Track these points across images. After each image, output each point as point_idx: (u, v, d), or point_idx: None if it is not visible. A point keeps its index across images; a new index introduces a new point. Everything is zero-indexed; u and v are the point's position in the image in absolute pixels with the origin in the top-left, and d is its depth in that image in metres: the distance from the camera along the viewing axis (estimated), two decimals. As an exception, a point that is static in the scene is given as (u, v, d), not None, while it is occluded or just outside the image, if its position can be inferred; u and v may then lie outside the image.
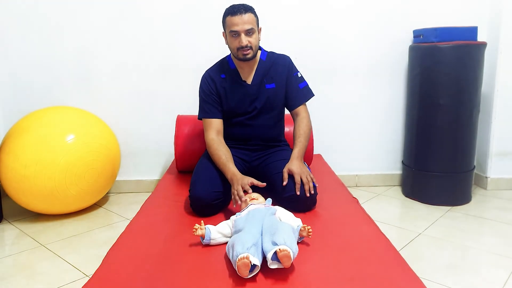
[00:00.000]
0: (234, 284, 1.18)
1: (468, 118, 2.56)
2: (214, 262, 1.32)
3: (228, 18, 1.79)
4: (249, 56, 1.84)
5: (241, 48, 1.80)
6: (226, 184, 1.76)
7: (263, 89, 1.95)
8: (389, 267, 1.29)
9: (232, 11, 1.77)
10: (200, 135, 2.28)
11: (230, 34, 1.81)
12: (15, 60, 2.74)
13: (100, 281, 1.24)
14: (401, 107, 2.95)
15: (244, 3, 1.84)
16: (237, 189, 1.65)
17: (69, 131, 2.35)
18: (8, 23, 2.70)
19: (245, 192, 1.66)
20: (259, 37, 1.87)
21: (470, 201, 2.71)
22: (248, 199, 1.60)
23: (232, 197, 1.67)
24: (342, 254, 1.37)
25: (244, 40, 1.79)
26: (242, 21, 1.76)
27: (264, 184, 1.69)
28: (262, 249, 1.24)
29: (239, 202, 1.61)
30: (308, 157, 2.35)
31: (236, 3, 1.81)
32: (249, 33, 1.79)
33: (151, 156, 2.93)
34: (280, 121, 2.06)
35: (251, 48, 1.82)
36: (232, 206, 1.59)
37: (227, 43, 1.87)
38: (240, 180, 1.68)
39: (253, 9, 1.82)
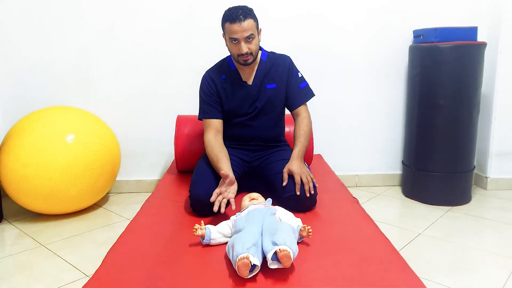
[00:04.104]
0: (234, 284, 1.18)
1: (468, 118, 2.57)
2: (214, 262, 1.32)
3: (227, 25, 1.76)
4: (249, 61, 1.83)
5: (241, 55, 1.80)
6: (225, 185, 1.76)
7: (263, 90, 1.94)
8: (389, 267, 1.29)
9: (231, 18, 1.73)
10: (200, 135, 2.28)
11: (230, 40, 1.79)
12: (15, 60, 2.74)
13: (100, 281, 1.24)
14: (401, 107, 2.95)
15: (244, 5, 1.80)
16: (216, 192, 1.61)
17: (69, 131, 2.35)
18: (8, 23, 2.70)
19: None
20: (259, 39, 1.86)
21: (470, 201, 2.71)
22: (248, 199, 1.60)
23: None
24: (342, 254, 1.37)
25: (244, 48, 1.77)
26: (241, 29, 1.73)
27: (228, 175, 1.63)
28: (262, 249, 1.24)
29: (216, 208, 1.57)
30: (308, 157, 2.35)
31: (234, 6, 1.78)
32: (249, 39, 1.77)
33: (151, 156, 2.93)
34: (280, 121, 2.06)
35: (251, 54, 1.81)
36: (231, 208, 1.58)
37: (227, 45, 1.87)
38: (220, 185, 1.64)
39: (252, 12, 1.79)
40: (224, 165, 1.74)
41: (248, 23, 1.74)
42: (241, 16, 1.73)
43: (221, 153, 1.81)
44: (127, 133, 2.87)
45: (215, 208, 1.56)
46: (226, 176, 1.62)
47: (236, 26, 1.73)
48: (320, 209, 1.77)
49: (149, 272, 1.27)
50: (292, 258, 1.19)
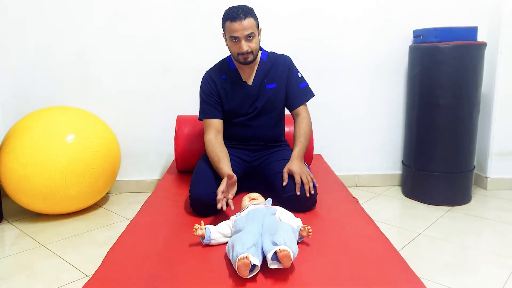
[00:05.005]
0: (234, 284, 1.18)
1: (468, 118, 2.56)
2: (214, 262, 1.32)
3: (228, 24, 1.77)
4: (249, 60, 1.83)
5: (242, 53, 1.80)
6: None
7: (263, 90, 1.94)
8: (389, 267, 1.29)
9: (232, 16, 1.74)
10: (200, 135, 2.28)
11: (230, 39, 1.80)
12: (15, 60, 2.74)
13: (100, 281, 1.24)
14: (401, 107, 2.95)
15: (244, 4, 1.81)
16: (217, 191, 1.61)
17: (69, 131, 2.35)
18: (8, 23, 2.70)
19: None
20: (259, 38, 1.86)
21: (470, 201, 2.71)
22: (248, 199, 1.60)
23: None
24: (342, 254, 1.37)
25: (245, 46, 1.77)
26: (242, 27, 1.74)
27: (233, 176, 1.62)
28: (262, 249, 1.24)
29: (220, 205, 1.56)
30: (308, 157, 2.35)
31: (235, 6, 1.79)
32: (249, 37, 1.78)
33: (151, 156, 2.93)
34: (280, 121, 2.06)
35: (251, 52, 1.81)
36: (231, 208, 1.58)
37: (227, 44, 1.87)
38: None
39: (253, 11, 1.80)
40: (225, 166, 1.74)
41: (248, 21, 1.75)
42: (241, 15, 1.73)
43: (221, 153, 1.81)
44: (127, 133, 2.87)
45: (219, 206, 1.55)
46: (232, 177, 1.62)
47: (236, 25, 1.74)
48: (320, 209, 1.77)
49: (149, 272, 1.27)
50: (292, 258, 1.19)
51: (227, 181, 1.63)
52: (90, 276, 1.37)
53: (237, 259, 1.16)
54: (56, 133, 2.33)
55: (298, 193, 1.70)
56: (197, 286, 1.20)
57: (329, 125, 2.94)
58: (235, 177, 1.64)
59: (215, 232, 1.42)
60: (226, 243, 1.36)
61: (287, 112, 2.05)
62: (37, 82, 2.77)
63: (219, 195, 1.57)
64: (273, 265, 1.21)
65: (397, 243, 2.08)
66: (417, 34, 2.68)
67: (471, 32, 2.51)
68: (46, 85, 2.78)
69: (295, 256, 1.22)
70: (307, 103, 2.00)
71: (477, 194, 2.84)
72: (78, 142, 2.34)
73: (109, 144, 2.52)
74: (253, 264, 1.17)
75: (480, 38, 2.79)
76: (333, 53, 2.85)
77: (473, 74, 2.52)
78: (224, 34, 1.86)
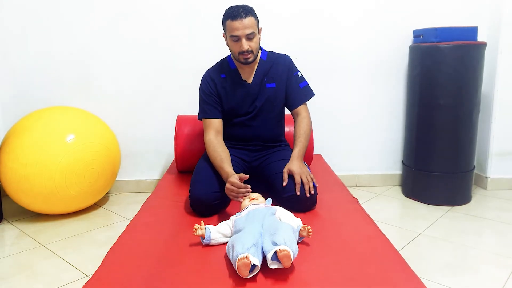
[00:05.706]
0: (234, 284, 1.19)
1: (468, 118, 2.57)
2: (214, 262, 1.32)
3: (228, 22, 1.77)
4: (250, 59, 1.83)
5: (242, 52, 1.80)
6: (225, 185, 1.76)
7: (263, 89, 1.94)
8: (389, 267, 1.29)
9: (232, 15, 1.75)
10: (200, 135, 2.28)
11: (231, 38, 1.80)
12: (15, 60, 2.74)
13: (100, 281, 1.24)
14: (401, 107, 2.95)
15: (244, 4, 1.81)
16: (229, 188, 1.63)
17: (69, 131, 2.35)
18: (8, 23, 2.70)
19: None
20: (259, 38, 1.86)
21: (470, 201, 2.71)
22: (248, 199, 1.60)
23: (231, 197, 1.65)
24: (342, 254, 1.37)
25: (245, 45, 1.78)
26: (242, 26, 1.74)
27: (247, 176, 1.66)
28: (262, 249, 1.24)
29: (238, 198, 1.60)
30: (308, 157, 2.35)
31: (235, 5, 1.79)
32: (250, 37, 1.78)
33: (151, 156, 2.93)
34: (280, 121, 2.06)
35: (252, 52, 1.81)
36: (230, 207, 1.58)
37: (227, 44, 1.87)
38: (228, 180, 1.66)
39: (253, 10, 1.80)
40: (228, 166, 1.74)
41: (249, 20, 1.75)
42: (242, 13, 1.74)
43: (224, 153, 1.82)
44: (127, 133, 2.87)
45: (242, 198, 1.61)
46: (245, 177, 1.64)
47: (237, 23, 1.74)
48: (320, 209, 1.77)
49: (149, 272, 1.27)
50: (292, 258, 1.19)
51: (240, 180, 1.63)
52: (90, 276, 1.37)
53: (237, 259, 1.17)
54: (56, 133, 2.33)
55: (298, 193, 1.70)
56: (197, 286, 1.20)
57: (329, 125, 2.94)
58: (247, 176, 1.64)
59: (215, 232, 1.42)
60: (226, 243, 1.36)
61: (287, 112, 2.05)
62: (37, 82, 2.77)
63: (242, 184, 1.60)
64: (273, 265, 1.21)
65: (397, 243, 2.08)
66: (417, 34, 2.68)
67: (471, 32, 2.51)
68: (46, 85, 2.78)
69: (295, 256, 1.22)
70: (307, 102, 2.00)
71: (477, 194, 2.84)
72: (78, 142, 2.34)
73: (109, 144, 2.52)
74: (253, 264, 1.17)
75: (480, 38, 2.78)
76: (333, 53, 2.85)
77: (473, 74, 2.52)
78: (224, 34, 1.86)
